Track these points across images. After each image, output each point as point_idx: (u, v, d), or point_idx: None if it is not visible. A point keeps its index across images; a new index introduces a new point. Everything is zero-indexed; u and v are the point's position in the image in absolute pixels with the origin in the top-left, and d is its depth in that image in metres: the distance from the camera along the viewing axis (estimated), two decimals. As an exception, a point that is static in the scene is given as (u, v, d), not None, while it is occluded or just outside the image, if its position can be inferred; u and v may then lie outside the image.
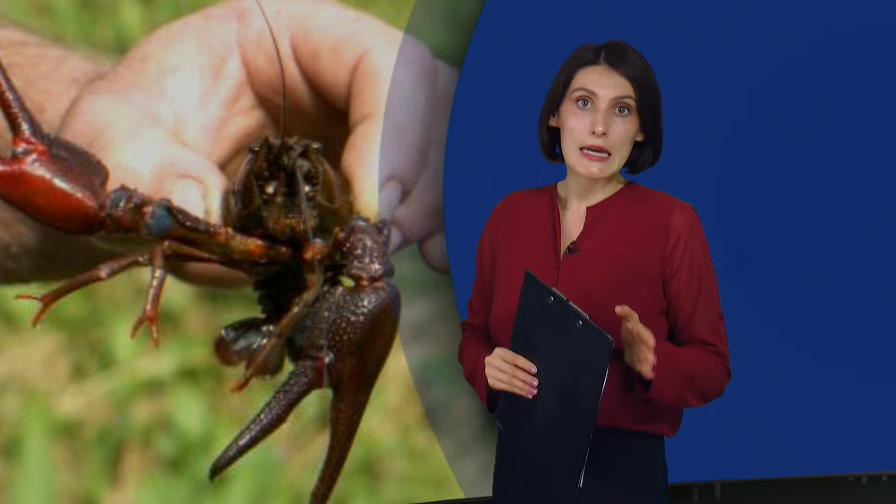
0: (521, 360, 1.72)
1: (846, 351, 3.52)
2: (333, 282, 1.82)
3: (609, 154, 1.77)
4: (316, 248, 1.72)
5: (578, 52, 1.83)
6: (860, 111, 3.53)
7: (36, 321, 1.65)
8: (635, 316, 1.69)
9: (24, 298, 1.63)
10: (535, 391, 1.72)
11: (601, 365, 1.67)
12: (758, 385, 3.42)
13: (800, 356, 3.49)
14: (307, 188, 1.74)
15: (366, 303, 1.72)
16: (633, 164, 1.84)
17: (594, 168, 1.78)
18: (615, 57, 1.81)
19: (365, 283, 1.73)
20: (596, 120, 1.78)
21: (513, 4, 3.21)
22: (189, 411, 2.78)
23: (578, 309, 1.68)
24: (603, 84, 1.80)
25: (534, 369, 1.72)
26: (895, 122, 3.56)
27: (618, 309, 1.69)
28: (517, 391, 1.72)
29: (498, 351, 1.75)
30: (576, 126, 1.79)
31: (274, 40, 1.79)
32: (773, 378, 3.47)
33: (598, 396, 1.67)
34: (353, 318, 1.71)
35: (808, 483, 3.89)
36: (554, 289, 1.70)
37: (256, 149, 1.72)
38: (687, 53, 3.37)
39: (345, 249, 1.75)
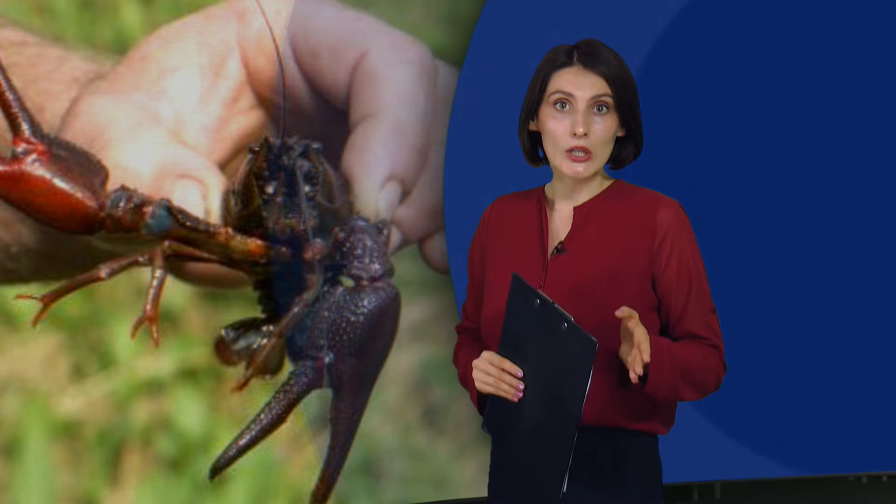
0: (508, 364, 1.72)
1: (846, 351, 3.52)
2: (333, 282, 1.82)
3: (591, 153, 1.78)
4: (316, 248, 1.72)
5: (551, 54, 1.83)
6: (852, 107, 3.53)
7: (36, 321, 1.65)
8: (636, 316, 1.70)
9: (24, 298, 1.64)
10: (521, 394, 1.72)
11: (586, 366, 1.67)
12: (758, 385, 3.42)
13: (800, 356, 3.50)
14: (307, 188, 1.74)
15: (366, 303, 1.72)
16: (616, 160, 1.84)
17: (579, 168, 1.79)
18: (588, 56, 1.81)
19: (365, 283, 1.73)
20: (576, 121, 1.78)
21: (513, 4, 3.21)
22: (189, 411, 2.78)
23: (563, 311, 1.69)
24: (579, 85, 1.80)
25: (519, 373, 1.72)
26: (887, 117, 3.56)
27: (618, 312, 1.69)
28: (503, 394, 1.72)
29: (485, 354, 1.75)
30: (556, 129, 1.80)
31: (274, 40, 1.79)
32: (773, 378, 3.47)
33: (582, 397, 1.67)
34: (353, 318, 1.71)
35: (808, 483, 3.89)
36: (540, 291, 1.71)
37: (256, 149, 1.72)
38: (685, 52, 3.37)
39: (345, 249, 1.75)
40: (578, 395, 1.69)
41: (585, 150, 1.80)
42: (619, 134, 1.83)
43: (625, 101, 1.82)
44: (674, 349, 1.78)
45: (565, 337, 1.69)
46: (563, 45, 1.85)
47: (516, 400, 1.74)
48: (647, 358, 1.70)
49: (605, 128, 1.81)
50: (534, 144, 1.86)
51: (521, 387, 1.74)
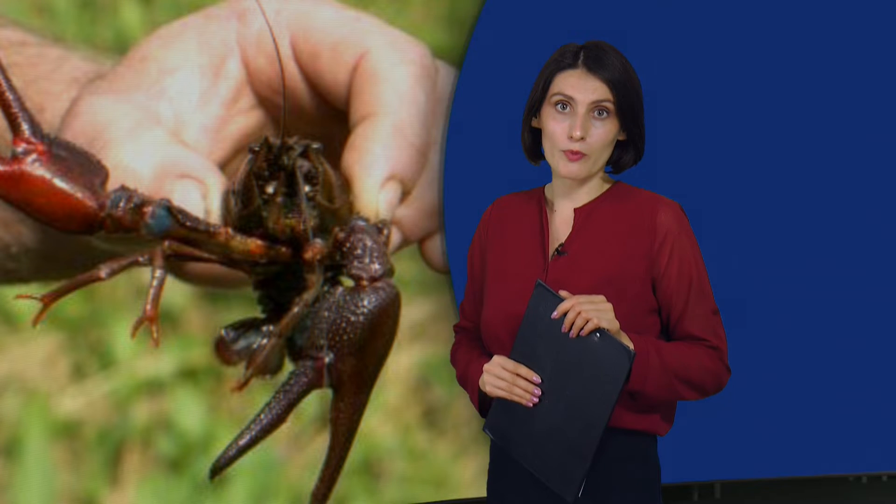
0: (524, 370, 1.72)
1: (847, 350, 3.52)
2: (333, 282, 1.82)
3: (587, 155, 1.78)
4: (316, 248, 1.72)
5: (558, 54, 1.83)
6: (852, 108, 3.53)
7: (36, 321, 1.65)
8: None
9: (24, 298, 1.63)
10: (537, 400, 1.72)
11: (619, 376, 1.67)
12: (758, 385, 3.42)
13: (800, 356, 3.50)
14: (307, 188, 1.73)
15: (366, 303, 1.72)
16: (616, 164, 1.84)
17: (574, 168, 1.79)
18: (593, 60, 1.81)
19: (365, 283, 1.73)
20: (574, 124, 1.78)
21: (513, 4, 3.22)
22: (189, 411, 2.78)
23: None
24: (580, 88, 1.80)
25: (537, 379, 1.72)
26: (887, 117, 3.56)
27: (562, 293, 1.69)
28: (516, 399, 1.72)
29: (497, 359, 1.75)
30: (555, 130, 1.80)
31: (274, 40, 1.79)
32: (772, 378, 3.47)
33: (610, 409, 1.67)
34: (353, 318, 1.71)
35: (808, 483, 3.89)
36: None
37: (256, 149, 1.72)
38: (686, 53, 3.37)
39: (345, 249, 1.75)
40: (606, 404, 1.69)
41: (581, 153, 1.80)
42: (620, 138, 1.83)
43: (626, 106, 1.81)
44: (661, 347, 1.78)
45: (597, 347, 1.70)
46: (571, 45, 1.85)
47: (531, 405, 1.74)
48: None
49: (603, 132, 1.81)
50: (535, 141, 1.87)
51: (538, 392, 1.74)
